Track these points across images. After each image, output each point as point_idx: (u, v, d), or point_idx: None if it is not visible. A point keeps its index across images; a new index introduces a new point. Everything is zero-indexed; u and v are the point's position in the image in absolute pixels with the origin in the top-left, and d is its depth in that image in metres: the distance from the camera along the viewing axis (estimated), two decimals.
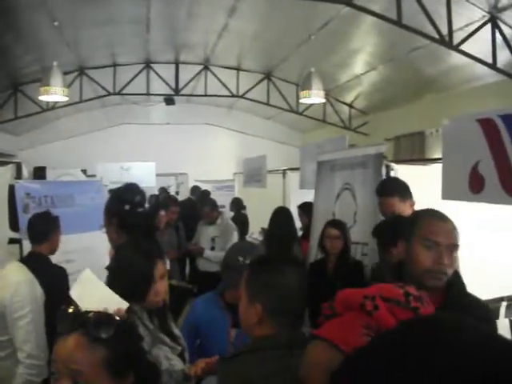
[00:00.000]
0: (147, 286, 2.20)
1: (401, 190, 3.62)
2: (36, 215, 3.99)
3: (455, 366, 0.58)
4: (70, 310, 1.42)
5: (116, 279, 2.22)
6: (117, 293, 2.13)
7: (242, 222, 8.76)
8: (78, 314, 1.41)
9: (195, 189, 10.64)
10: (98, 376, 1.34)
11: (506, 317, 4.06)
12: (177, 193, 12.46)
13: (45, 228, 3.79)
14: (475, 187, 3.32)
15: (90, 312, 1.40)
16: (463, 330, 0.64)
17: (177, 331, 2.44)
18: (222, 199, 10.92)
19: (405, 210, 3.51)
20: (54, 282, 2.83)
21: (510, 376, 0.57)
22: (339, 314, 1.19)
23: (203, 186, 10.78)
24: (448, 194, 3.61)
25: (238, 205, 9.44)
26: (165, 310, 2.43)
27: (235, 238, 6.41)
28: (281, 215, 5.94)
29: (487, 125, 3.19)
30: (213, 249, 6.49)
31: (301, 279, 1.71)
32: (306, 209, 6.16)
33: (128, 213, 3.15)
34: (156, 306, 2.28)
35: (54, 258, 4.01)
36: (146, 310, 2.25)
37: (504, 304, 4.15)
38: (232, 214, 9.39)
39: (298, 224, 6.63)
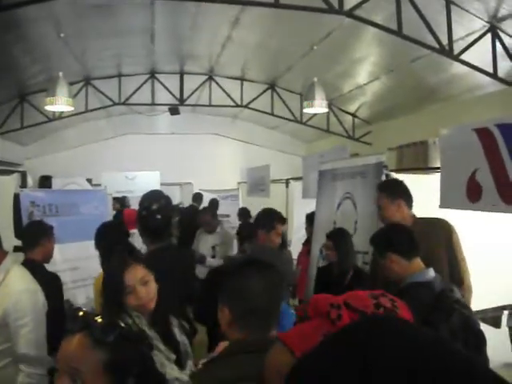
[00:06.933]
0: (118, 289, 2.23)
1: (390, 188, 3.63)
2: (29, 223, 4.11)
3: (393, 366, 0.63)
4: (81, 313, 1.47)
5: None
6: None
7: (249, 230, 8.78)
8: (87, 316, 1.46)
9: (197, 195, 10.64)
10: (97, 378, 1.36)
11: (507, 325, 4.08)
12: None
13: (36, 234, 3.93)
14: (473, 196, 3.35)
15: (98, 316, 1.45)
16: (397, 331, 0.69)
17: (182, 338, 2.46)
18: (227, 208, 10.98)
19: (388, 207, 3.53)
20: (48, 289, 2.87)
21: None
22: (310, 318, 1.21)
23: (208, 196, 10.78)
24: (446, 202, 3.65)
25: (245, 215, 9.48)
26: (167, 317, 2.45)
27: (235, 246, 6.45)
28: None
29: (484, 134, 3.23)
30: (213, 257, 6.53)
31: (267, 281, 1.73)
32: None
33: (144, 218, 3.25)
34: (146, 312, 2.29)
35: (58, 266, 4.08)
36: (145, 315, 2.28)
37: (506, 313, 4.16)
38: (239, 223, 9.43)
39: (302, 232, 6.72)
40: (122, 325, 1.46)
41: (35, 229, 3.99)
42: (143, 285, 2.29)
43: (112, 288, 2.25)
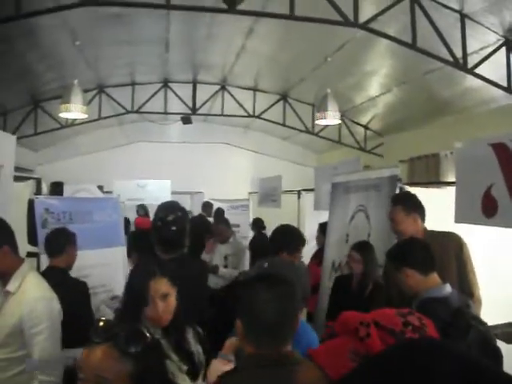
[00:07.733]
0: (140, 296, 2.25)
1: (406, 201, 3.63)
2: (53, 230, 4.12)
3: None
4: (101, 323, 1.48)
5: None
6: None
7: (262, 241, 8.78)
8: (111, 326, 1.47)
9: (206, 205, 10.61)
10: None
11: None
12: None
13: (61, 241, 3.91)
14: (488, 211, 3.33)
15: (122, 326, 1.47)
16: (438, 355, 0.69)
17: (196, 347, 2.46)
18: (237, 218, 10.96)
19: (403, 220, 3.55)
20: (73, 295, 2.87)
21: None
22: (338, 335, 1.21)
23: (218, 205, 10.77)
24: (461, 217, 3.62)
25: (259, 225, 9.46)
26: (182, 327, 2.45)
27: (247, 256, 6.45)
28: None
29: (500, 149, 3.21)
30: (226, 267, 6.51)
31: (276, 296, 1.73)
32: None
33: (159, 229, 3.24)
34: (160, 325, 2.30)
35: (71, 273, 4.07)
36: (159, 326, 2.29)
37: None
38: (252, 233, 9.41)
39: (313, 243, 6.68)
40: (147, 334, 1.48)
41: (61, 236, 3.96)
42: (163, 299, 2.29)
43: (134, 295, 2.26)
